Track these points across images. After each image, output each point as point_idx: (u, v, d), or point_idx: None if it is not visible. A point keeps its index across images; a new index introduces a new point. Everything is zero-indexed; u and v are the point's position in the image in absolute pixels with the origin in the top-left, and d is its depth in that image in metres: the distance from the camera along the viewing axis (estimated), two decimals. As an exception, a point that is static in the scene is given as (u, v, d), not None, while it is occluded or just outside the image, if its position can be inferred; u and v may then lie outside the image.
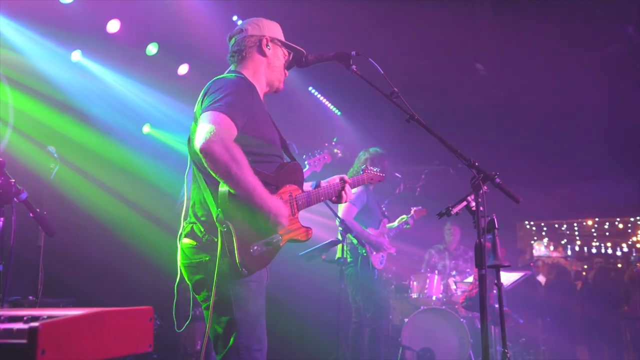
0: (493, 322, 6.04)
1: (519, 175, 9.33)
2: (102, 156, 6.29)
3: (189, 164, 2.88)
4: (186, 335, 6.12)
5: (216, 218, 2.59)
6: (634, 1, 6.74)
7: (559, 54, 7.75)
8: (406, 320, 6.87)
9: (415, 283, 7.43)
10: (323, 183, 3.16)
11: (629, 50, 7.44)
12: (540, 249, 15.80)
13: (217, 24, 6.13)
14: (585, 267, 14.26)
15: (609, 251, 15.52)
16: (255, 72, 2.97)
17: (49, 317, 1.30)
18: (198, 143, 2.51)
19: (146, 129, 7.05)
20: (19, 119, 5.42)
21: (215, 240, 2.59)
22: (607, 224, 15.22)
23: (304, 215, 3.07)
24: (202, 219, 2.70)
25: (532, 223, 15.18)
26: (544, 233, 15.81)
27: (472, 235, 2.76)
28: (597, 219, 14.93)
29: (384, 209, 6.89)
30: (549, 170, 10.27)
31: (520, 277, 7.08)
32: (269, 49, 3.00)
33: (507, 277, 6.95)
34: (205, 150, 2.49)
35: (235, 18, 6.48)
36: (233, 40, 3.04)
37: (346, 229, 5.11)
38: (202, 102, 2.74)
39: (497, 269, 2.86)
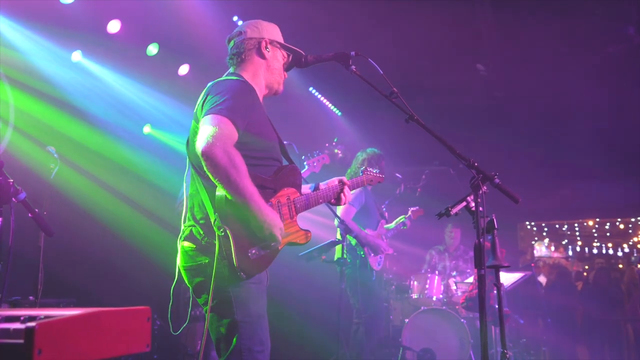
0: (493, 323, 6.03)
1: (520, 176, 9.32)
2: (103, 156, 6.29)
3: (187, 165, 2.88)
4: (186, 336, 6.11)
5: (214, 222, 2.59)
6: (634, 1, 6.74)
7: (559, 54, 7.74)
8: (406, 320, 6.86)
9: (415, 283, 7.42)
10: (322, 185, 3.16)
11: (630, 50, 7.43)
12: (541, 249, 15.79)
13: (217, 24, 6.13)
14: (587, 267, 14.25)
15: (610, 252, 15.50)
16: (255, 75, 2.97)
17: (46, 317, 1.31)
18: (200, 146, 2.52)
19: (147, 129, 7.05)
20: (19, 119, 5.42)
21: (215, 243, 2.60)
22: (608, 224, 15.20)
23: (304, 215, 3.07)
24: (201, 222, 2.70)
25: (532, 223, 15.16)
26: (544, 233, 15.79)
27: (473, 235, 2.75)
28: (598, 220, 14.90)
29: (384, 208, 6.90)
30: (550, 170, 10.26)
31: (521, 278, 7.08)
32: (268, 51, 3.00)
33: (508, 278, 6.95)
34: (207, 153, 2.50)
35: (235, 18, 6.48)
36: (232, 42, 3.04)
37: (346, 229, 5.11)
38: (202, 104, 2.74)
39: (496, 269, 2.85)
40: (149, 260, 6.04)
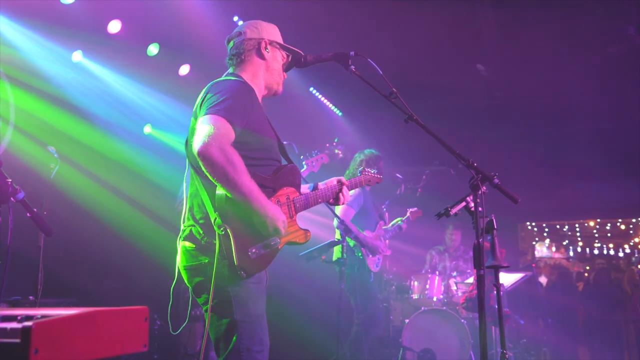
0: (493, 323, 6.03)
1: (520, 176, 9.32)
2: (104, 156, 6.30)
3: (187, 165, 2.89)
4: (187, 336, 6.12)
5: (214, 221, 2.60)
6: (635, 2, 6.73)
7: (559, 55, 7.73)
8: (407, 321, 6.86)
9: (416, 284, 7.42)
10: (321, 185, 3.17)
11: (630, 50, 7.43)
12: (542, 250, 15.79)
13: (218, 24, 6.13)
14: (588, 268, 14.24)
15: (611, 252, 15.49)
16: (254, 75, 2.98)
17: (43, 316, 1.31)
18: (196, 146, 2.52)
19: (147, 129, 7.05)
20: (20, 119, 5.43)
21: (214, 242, 2.60)
22: (609, 225, 15.19)
23: (303, 215, 3.07)
24: (201, 221, 2.71)
25: (533, 224, 15.15)
26: (545, 234, 15.78)
27: (473, 235, 2.75)
28: (598, 220, 14.90)
29: (384, 209, 6.89)
30: (550, 170, 10.25)
31: (521, 278, 7.08)
32: (268, 52, 3.01)
33: (508, 278, 6.95)
34: (203, 153, 2.50)
35: (236, 19, 6.48)
36: (231, 43, 3.04)
37: (346, 230, 5.11)
38: (200, 105, 2.75)
39: (496, 269, 2.85)
40: (149, 260, 6.04)
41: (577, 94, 8.18)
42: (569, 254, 15.75)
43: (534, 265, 9.19)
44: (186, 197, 2.86)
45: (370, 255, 5.83)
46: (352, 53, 2.99)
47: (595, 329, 9.09)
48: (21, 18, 5.24)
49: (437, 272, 7.46)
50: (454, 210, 2.83)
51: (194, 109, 2.82)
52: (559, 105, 8.70)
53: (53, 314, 1.33)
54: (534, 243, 15.59)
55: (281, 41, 3.09)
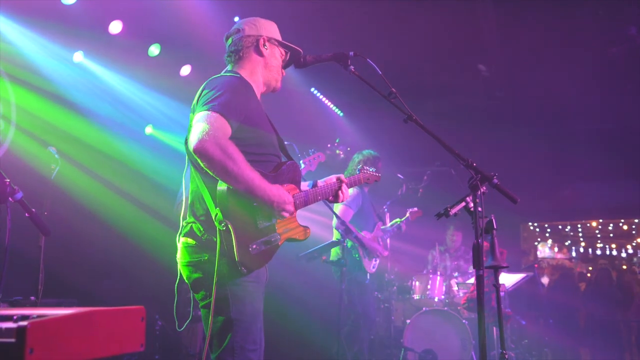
0: (495, 324, 6.02)
1: (522, 176, 9.31)
2: (105, 156, 6.31)
3: (186, 164, 2.89)
4: (187, 336, 6.12)
5: (215, 217, 2.60)
6: (636, 2, 6.72)
7: (561, 55, 7.72)
8: (408, 321, 6.85)
9: (417, 284, 7.41)
10: (320, 182, 3.17)
11: (632, 51, 7.41)
12: (544, 250, 15.76)
13: (219, 24, 6.13)
14: (590, 268, 14.20)
15: (614, 253, 15.46)
16: (253, 72, 2.98)
17: (39, 316, 1.31)
18: (192, 143, 2.53)
19: (149, 129, 7.06)
20: (21, 119, 5.44)
21: (215, 239, 2.60)
22: (612, 225, 15.16)
23: (303, 215, 3.08)
24: (201, 218, 2.71)
25: (535, 224, 15.13)
26: (547, 234, 15.76)
27: (474, 236, 2.75)
28: (601, 221, 14.86)
29: (385, 209, 6.89)
30: (552, 171, 10.24)
31: (523, 278, 7.07)
32: (266, 48, 3.01)
33: (510, 279, 6.94)
34: (199, 150, 2.51)
35: (237, 19, 6.48)
36: (230, 40, 3.05)
37: (347, 230, 5.09)
38: (197, 101, 2.75)
39: (495, 269, 2.84)
40: (151, 260, 6.05)
41: (578, 94, 8.17)
42: (571, 254, 15.72)
43: (536, 265, 9.19)
44: (187, 195, 2.86)
45: (367, 257, 5.82)
46: (351, 53, 2.99)
47: (597, 330, 9.06)
48: (23, 18, 5.25)
49: (438, 273, 7.45)
50: (453, 211, 2.83)
51: (191, 107, 2.83)
52: (561, 105, 8.69)
53: (49, 313, 1.33)
54: (536, 243, 15.56)
55: (280, 38, 3.09)
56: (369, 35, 7.07)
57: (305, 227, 2.98)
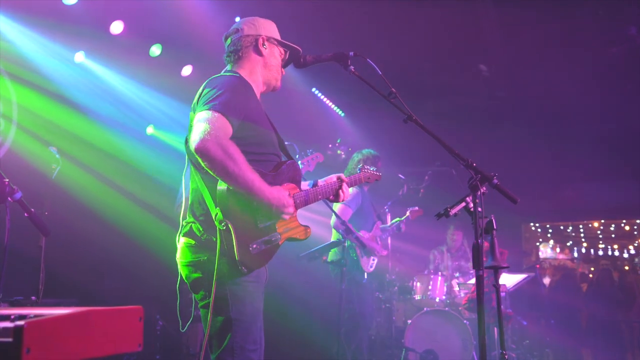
0: (496, 324, 6.01)
1: (524, 177, 9.30)
2: (106, 156, 6.32)
3: (186, 163, 2.89)
4: (188, 336, 6.13)
5: (215, 217, 2.60)
6: (636, 2, 6.71)
7: (562, 55, 7.72)
8: (409, 321, 6.85)
9: (418, 284, 7.40)
10: (320, 182, 3.16)
11: (632, 51, 7.41)
12: (546, 251, 15.74)
13: (220, 25, 6.12)
14: (592, 269, 14.19)
15: (616, 253, 15.44)
16: (252, 72, 2.98)
17: (36, 315, 1.31)
18: (193, 143, 2.53)
19: (150, 130, 7.06)
20: (22, 118, 5.45)
21: (214, 239, 2.60)
22: (613, 226, 15.13)
23: (303, 214, 3.07)
24: (201, 218, 2.71)
25: (537, 225, 15.11)
26: (549, 235, 15.74)
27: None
28: (602, 221, 14.84)
29: (386, 210, 6.88)
30: (554, 171, 10.23)
31: (524, 279, 7.06)
32: (265, 48, 3.01)
33: (511, 279, 6.93)
34: (201, 149, 2.51)
35: (238, 19, 6.46)
36: (229, 40, 3.05)
37: (347, 230, 5.08)
38: (197, 101, 2.76)
39: (495, 270, 2.83)
40: (152, 260, 6.05)
41: (579, 94, 8.16)
42: (573, 255, 15.70)
43: (537, 266, 9.17)
44: (186, 195, 2.87)
45: (365, 256, 5.81)
46: (351, 53, 2.99)
47: (599, 330, 9.06)
48: (24, 19, 5.26)
49: (439, 273, 7.44)
50: (453, 211, 2.82)
51: (191, 106, 2.83)
52: (562, 105, 8.68)
53: (46, 313, 1.33)
54: (537, 244, 15.55)
55: (279, 37, 3.09)
56: (369, 35, 7.07)
57: (306, 227, 2.98)
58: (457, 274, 7.54)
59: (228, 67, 3.04)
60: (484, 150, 8.38)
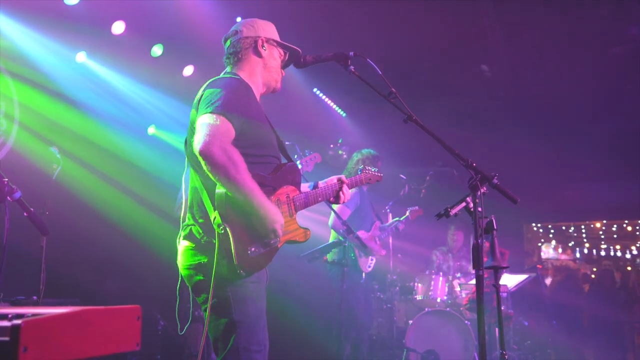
0: (497, 324, 6.00)
1: (526, 177, 9.30)
2: (107, 155, 6.32)
3: (186, 165, 2.89)
4: (190, 336, 6.13)
5: (213, 220, 2.60)
6: (638, 2, 6.70)
7: (564, 55, 7.71)
8: (410, 322, 6.85)
9: (419, 284, 7.39)
10: (321, 184, 3.17)
11: (634, 51, 7.40)
12: (548, 251, 15.73)
13: (221, 25, 6.12)
14: (595, 269, 14.18)
15: (618, 254, 15.42)
16: (252, 73, 2.98)
17: (33, 315, 1.31)
18: (197, 145, 2.53)
19: (151, 130, 7.07)
20: (24, 117, 5.46)
21: (214, 242, 2.60)
22: (615, 226, 15.11)
23: (304, 214, 3.07)
24: (200, 221, 2.71)
25: (539, 225, 15.10)
26: (551, 235, 15.73)
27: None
28: (605, 222, 14.82)
29: (388, 210, 6.87)
30: (556, 171, 10.21)
31: (525, 279, 7.05)
32: (265, 49, 3.01)
33: (513, 279, 6.93)
34: (205, 153, 2.51)
35: (239, 19, 6.49)
36: (228, 42, 3.05)
37: (348, 230, 5.07)
38: (198, 104, 2.75)
39: (495, 270, 2.83)
40: (154, 260, 6.05)
41: (582, 94, 8.15)
42: (575, 255, 15.68)
43: (539, 266, 9.16)
44: (186, 197, 2.87)
45: (363, 256, 5.80)
46: (351, 53, 2.99)
47: (601, 331, 9.04)
48: (26, 19, 5.27)
49: (441, 273, 7.44)
50: (454, 211, 2.82)
51: (192, 109, 2.83)
52: (565, 105, 8.67)
53: (44, 312, 1.33)
54: (539, 244, 15.53)
55: (278, 38, 3.09)
56: (369, 35, 7.07)
57: (306, 229, 2.97)
58: (458, 275, 7.54)
59: (228, 69, 3.04)
60: (485, 150, 8.38)
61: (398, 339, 7.06)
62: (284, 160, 3.03)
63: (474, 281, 7.19)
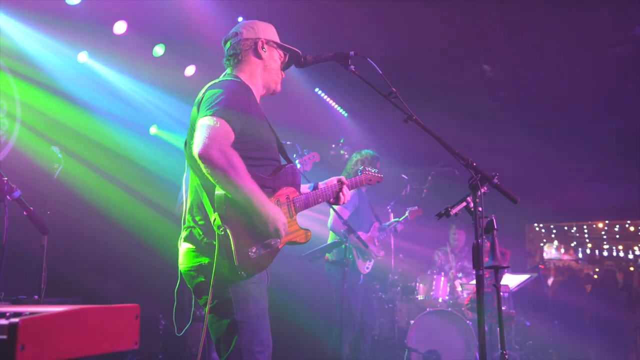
0: (499, 325, 5.99)
1: (528, 177, 9.27)
2: (109, 154, 6.33)
3: (186, 167, 2.90)
4: (191, 336, 6.13)
5: (213, 222, 2.60)
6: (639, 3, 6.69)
7: (566, 55, 7.69)
8: (412, 322, 6.84)
9: (421, 285, 7.39)
10: (321, 185, 3.16)
11: (636, 50, 7.38)
12: (550, 251, 15.71)
13: (223, 25, 6.13)
14: (597, 270, 14.15)
15: (621, 254, 15.38)
16: (252, 75, 2.98)
17: (31, 313, 1.31)
18: (196, 148, 2.53)
19: (153, 129, 7.08)
20: (26, 116, 5.47)
21: (214, 243, 2.60)
22: (618, 226, 15.08)
23: (304, 213, 3.07)
24: (200, 222, 2.71)
25: (541, 225, 15.07)
26: (553, 235, 15.70)
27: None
28: (607, 222, 14.79)
29: (389, 210, 6.86)
30: (558, 172, 10.20)
31: (527, 279, 7.04)
32: (265, 51, 3.01)
33: (514, 279, 6.92)
34: (204, 156, 2.51)
35: (241, 19, 6.48)
36: (228, 44, 3.05)
37: (349, 230, 5.07)
38: (198, 107, 2.75)
39: (495, 270, 2.83)
40: (156, 259, 6.06)
41: (582, 93, 8.14)
42: (577, 255, 15.65)
43: (541, 266, 9.15)
44: (186, 199, 2.86)
45: (361, 258, 5.79)
46: (351, 53, 2.98)
47: (603, 331, 9.03)
48: (28, 18, 5.28)
49: (442, 273, 7.43)
50: (454, 211, 2.82)
51: (192, 112, 2.83)
52: (567, 106, 8.66)
53: (42, 311, 1.34)
54: (541, 245, 15.51)
55: (278, 40, 3.08)
56: (369, 35, 7.06)
57: (307, 230, 2.97)
58: (460, 274, 7.53)
59: (228, 71, 3.03)
60: (486, 150, 8.36)
61: (400, 339, 7.06)
62: (283, 162, 3.03)
63: (475, 281, 7.19)
